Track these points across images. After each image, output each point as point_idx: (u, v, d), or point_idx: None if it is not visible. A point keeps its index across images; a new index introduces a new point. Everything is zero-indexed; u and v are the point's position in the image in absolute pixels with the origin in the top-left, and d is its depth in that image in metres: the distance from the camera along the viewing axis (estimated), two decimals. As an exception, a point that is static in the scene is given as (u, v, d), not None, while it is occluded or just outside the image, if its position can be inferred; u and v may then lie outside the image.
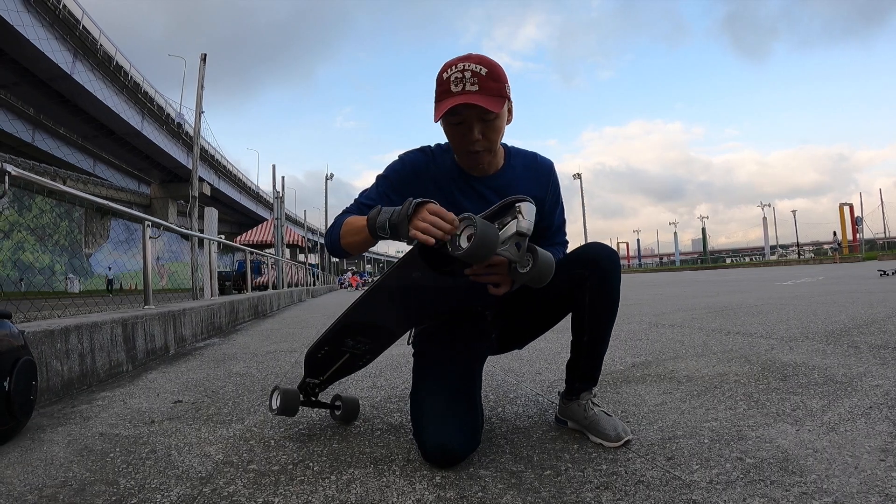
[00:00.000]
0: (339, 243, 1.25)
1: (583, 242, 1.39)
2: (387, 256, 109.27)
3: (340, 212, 1.33)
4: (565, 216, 1.46)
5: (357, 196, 1.34)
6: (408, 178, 1.30)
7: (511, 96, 1.19)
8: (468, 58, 1.15)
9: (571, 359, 1.35)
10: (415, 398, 1.30)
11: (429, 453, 1.15)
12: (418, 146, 1.36)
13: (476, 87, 1.12)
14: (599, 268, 1.23)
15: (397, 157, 1.35)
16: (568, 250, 1.44)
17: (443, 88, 1.15)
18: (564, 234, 1.47)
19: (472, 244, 0.95)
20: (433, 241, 0.99)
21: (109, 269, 19.69)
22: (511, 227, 0.99)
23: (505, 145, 1.35)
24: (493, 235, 0.97)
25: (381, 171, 1.35)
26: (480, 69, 1.13)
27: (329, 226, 1.31)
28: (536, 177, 1.36)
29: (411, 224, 1.02)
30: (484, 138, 1.18)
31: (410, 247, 1.13)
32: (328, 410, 1.54)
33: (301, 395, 1.44)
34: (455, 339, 1.38)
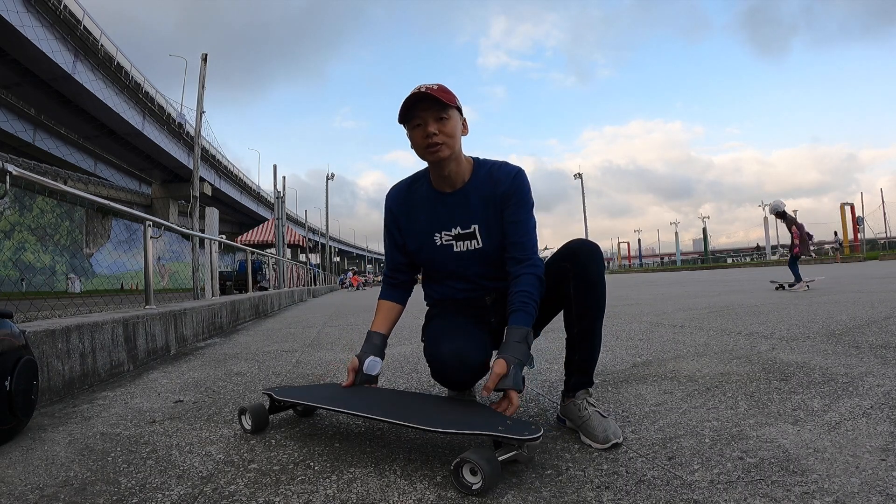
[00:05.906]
0: None
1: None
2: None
3: (382, 277, 1.60)
4: (535, 233, 1.39)
5: (384, 257, 1.56)
6: (400, 216, 1.50)
7: (463, 113, 1.37)
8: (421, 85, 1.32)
9: (567, 356, 1.38)
10: (428, 330, 1.47)
11: (444, 357, 1.29)
12: (396, 182, 1.55)
13: (427, 92, 1.29)
14: (578, 259, 1.30)
15: (385, 206, 1.53)
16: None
17: (402, 105, 1.31)
18: (536, 250, 1.39)
19: (485, 484, 0.98)
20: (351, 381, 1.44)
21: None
22: (512, 454, 1.06)
23: (476, 159, 1.45)
24: (498, 470, 1.00)
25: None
26: (433, 85, 1.31)
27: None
28: (497, 181, 1.38)
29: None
30: (440, 133, 1.31)
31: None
32: (292, 410, 1.60)
33: (266, 405, 1.51)
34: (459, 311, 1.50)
